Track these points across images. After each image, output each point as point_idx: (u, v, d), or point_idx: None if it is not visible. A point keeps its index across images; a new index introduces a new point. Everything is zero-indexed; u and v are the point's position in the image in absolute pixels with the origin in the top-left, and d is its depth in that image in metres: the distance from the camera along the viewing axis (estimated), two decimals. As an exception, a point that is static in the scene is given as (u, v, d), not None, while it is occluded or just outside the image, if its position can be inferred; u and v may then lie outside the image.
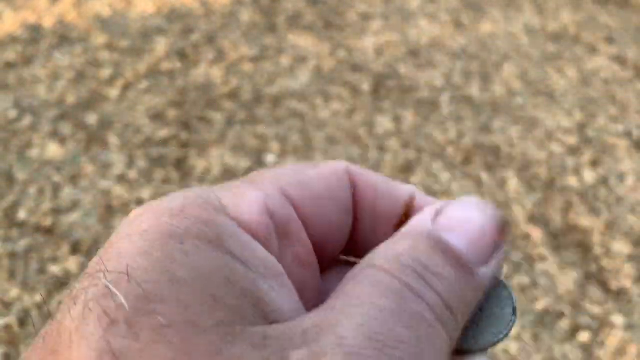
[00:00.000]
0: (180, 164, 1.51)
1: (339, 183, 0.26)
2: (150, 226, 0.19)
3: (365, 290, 0.20)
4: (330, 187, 0.25)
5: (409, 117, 1.71)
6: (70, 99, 1.66)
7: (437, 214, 0.23)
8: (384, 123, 1.68)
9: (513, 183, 1.56)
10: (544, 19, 2.24)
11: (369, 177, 0.27)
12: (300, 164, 0.25)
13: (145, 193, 1.42)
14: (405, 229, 0.23)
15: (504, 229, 0.23)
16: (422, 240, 0.22)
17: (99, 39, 1.89)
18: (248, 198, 0.22)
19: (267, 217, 0.22)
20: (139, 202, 1.40)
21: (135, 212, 0.21)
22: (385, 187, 0.27)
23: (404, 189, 0.27)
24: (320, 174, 0.25)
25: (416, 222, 0.23)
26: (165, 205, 0.20)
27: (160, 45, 1.88)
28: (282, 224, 0.23)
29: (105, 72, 1.76)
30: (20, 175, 1.45)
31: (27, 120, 1.58)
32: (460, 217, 0.22)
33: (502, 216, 0.24)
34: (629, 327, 1.28)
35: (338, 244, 0.26)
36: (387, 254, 0.21)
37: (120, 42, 1.88)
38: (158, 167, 1.49)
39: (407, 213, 0.27)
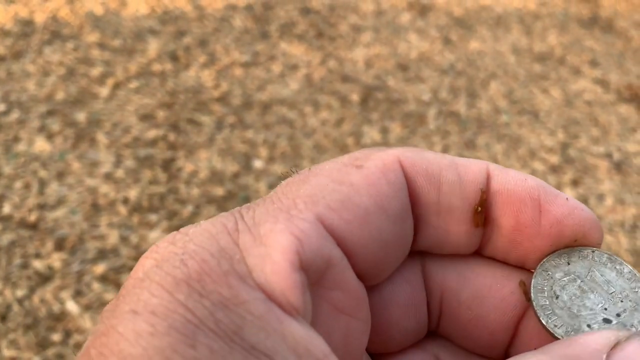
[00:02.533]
0: (168, 166, 1.51)
1: (391, 186, 0.21)
2: (161, 308, 0.16)
3: None
4: (381, 195, 0.21)
5: (396, 129, 1.74)
6: (60, 95, 1.65)
7: (614, 346, 0.19)
8: (372, 134, 1.70)
9: (496, 198, 1.58)
10: (531, 40, 2.29)
11: (429, 165, 0.22)
12: (341, 162, 0.21)
13: (132, 193, 1.42)
14: (567, 350, 0.19)
15: None
16: None
17: (91, 36, 1.89)
18: (278, 251, 0.18)
19: (300, 274, 0.18)
20: (125, 201, 1.40)
21: (149, 267, 0.18)
22: (451, 172, 0.23)
23: (475, 170, 0.23)
24: (367, 180, 0.21)
25: (584, 349, 0.19)
26: (183, 269, 0.17)
27: (152, 46, 1.88)
28: (318, 271, 0.19)
29: (96, 70, 1.76)
30: (6, 169, 1.44)
31: (15, 115, 1.57)
32: None
33: None
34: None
35: (397, 255, 0.23)
36: None
37: (112, 41, 1.88)
38: (146, 168, 1.49)
39: (483, 200, 0.23)
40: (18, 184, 1.41)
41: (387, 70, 1.96)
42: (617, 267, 0.23)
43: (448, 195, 0.23)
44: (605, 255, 0.24)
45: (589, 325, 0.22)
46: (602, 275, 0.24)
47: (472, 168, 0.23)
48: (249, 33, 2.04)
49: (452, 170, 0.23)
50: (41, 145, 1.50)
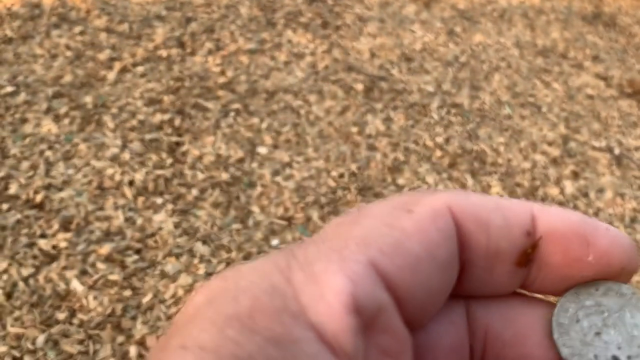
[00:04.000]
0: (174, 150, 1.52)
1: (441, 233, 0.22)
2: (210, 344, 0.16)
3: None
4: (431, 242, 0.21)
5: (399, 119, 1.75)
6: (67, 78, 1.66)
7: None
8: (375, 123, 1.72)
9: (496, 189, 1.60)
10: (535, 34, 2.30)
11: (477, 210, 0.22)
12: (391, 205, 0.21)
13: (138, 175, 1.43)
14: None
15: None
16: None
17: (98, 21, 1.90)
18: (332, 292, 0.18)
19: (353, 317, 0.18)
20: (131, 183, 1.41)
21: (200, 303, 0.18)
22: (498, 216, 0.23)
23: (520, 213, 0.23)
24: (418, 226, 0.21)
25: None
26: (234, 305, 0.17)
27: (159, 31, 1.89)
28: (370, 315, 0.19)
29: (103, 55, 1.77)
30: (13, 150, 1.45)
31: (22, 96, 1.58)
32: None
33: None
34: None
35: (441, 300, 0.23)
36: None
37: (120, 25, 1.89)
38: (151, 151, 1.50)
39: (532, 245, 0.23)
40: (25, 165, 1.42)
41: (392, 61, 1.97)
42: None
43: (495, 238, 0.23)
44: None
45: (595, 356, 0.23)
46: (632, 318, 0.23)
47: (518, 210, 0.23)
48: (255, 21, 2.05)
49: (499, 214, 0.23)
50: (48, 127, 1.52)
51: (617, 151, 1.80)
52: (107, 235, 1.29)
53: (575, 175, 1.69)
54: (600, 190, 1.66)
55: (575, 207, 1.59)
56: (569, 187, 1.65)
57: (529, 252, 0.23)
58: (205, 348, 0.16)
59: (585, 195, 1.64)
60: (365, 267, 0.19)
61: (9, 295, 1.18)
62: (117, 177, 1.42)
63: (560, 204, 1.59)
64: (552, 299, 0.26)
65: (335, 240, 0.20)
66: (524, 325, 0.24)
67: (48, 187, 1.38)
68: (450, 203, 0.22)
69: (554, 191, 1.63)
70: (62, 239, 1.29)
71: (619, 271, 0.24)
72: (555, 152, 1.75)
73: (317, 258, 0.19)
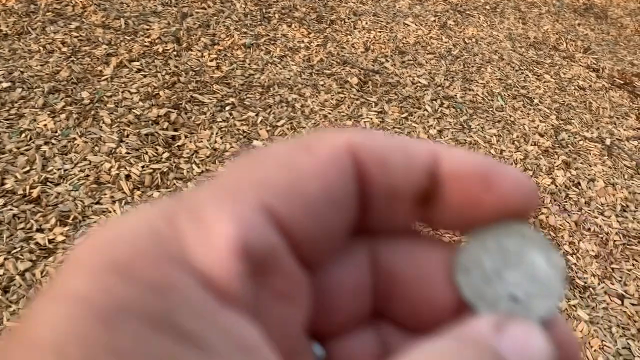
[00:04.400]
0: (170, 144, 1.53)
1: (340, 173, 0.21)
2: (82, 292, 0.15)
3: None
4: (329, 184, 0.20)
5: (393, 112, 1.76)
6: (63, 73, 1.67)
7: (499, 328, 0.20)
8: (370, 116, 1.73)
9: (490, 180, 1.61)
10: (527, 26, 2.31)
11: (378, 148, 0.22)
12: (289, 145, 0.20)
13: (134, 170, 1.44)
14: (457, 332, 0.20)
15: None
16: (487, 355, 0.19)
17: (95, 16, 1.90)
18: (219, 237, 0.17)
19: (242, 262, 0.17)
20: (128, 177, 1.42)
21: (78, 251, 0.17)
22: (400, 155, 0.22)
23: (423, 152, 0.22)
24: (316, 165, 0.20)
25: (472, 330, 0.20)
26: (111, 252, 0.16)
27: (155, 27, 1.90)
28: (261, 259, 0.18)
29: (100, 50, 1.77)
30: (10, 145, 1.46)
31: (18, 92, 1.59)
32: (527, 347, 0.19)
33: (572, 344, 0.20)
34: (592, 322, 1.33)
35: (341, 242, 0.22)
36: None
37: (116, 21, 1.89)
38: (148, 146, 1.51)
39: (432, 185, 0.22)
40: (21, 160, 1.42)
41: (386, 54, 1.98)
42: (550, 254, 0.23)
43: (396, 177, 0.22)
44: (543, 239, 0.23)
45: (496, 296, 0.23)
46: (532, 258, 0.24)
47: (421, 149, 0.22)
48: (250, 15, 2.05)
49: (400, 153, 0.22)
50: (45, 122, 1.52)
51: (608, 141, 1.81)
52: (105, 229, 1.30)
53: (567, 166, 1.71)
54: (592, 180, 1.68)
55: (567, 197, 1.61)
56: (561, 177, 1.66)
57: (429, 192, 0.23)
58: (77, 297, 0.15)
59: (577, 185, 1.65)
60: (257, 210, 0.18)
61: (5, 290, 1.18)
62: (114, 172, 1.43)
63: (552, 194, 1.61)
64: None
65: (228, 184, 0.19)
66: (428, 267, 0.24)
67: (45, 181, 1.39)
68: (352, 142, 0.21)
69: (545, 181, 1.64)
70: (59, 234, 1.29)
71: (519, 212, 0.23)
72: (547, 142, 1.77)
73: (206, 202, 0.18)
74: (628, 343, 1.29)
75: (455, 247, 0.24)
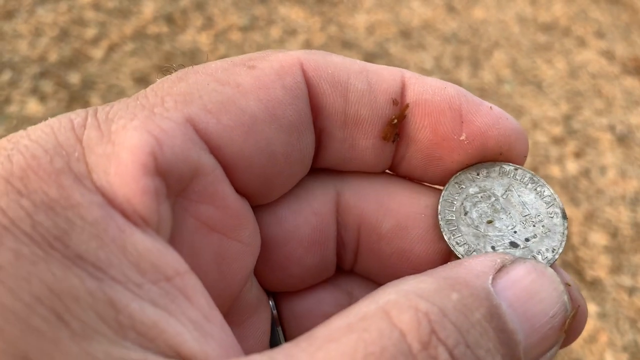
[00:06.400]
0: (163, 130, 1.49)
1: (287, 91, 0.18)
2: None
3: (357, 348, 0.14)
4: (273, 101, 0.18)
5: (396, 98, 1.71)
6: (53, 56, 1.62)
7: (500, 269, 0.17)
8: (372, 102, 1.68)
9: (496, 169, 1.57)
10: (536, 9, 2.25)
11: (336, 70, 0.20)
12: (231, 61, 0.18)
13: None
14: (451, 272, 0.17)
15: (571, 319, 0.17)
16: (478, 301, 0.16)
17: (85, -3, 1.85)
18: (127, 150, 0.15)
19: (152, 178, 0.15)
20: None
21: None
22: (361, 80, 0.20)
23: (388, 78, 0.20)
24: (258, 82, 0.18)
25: (469, 271, 0.16)
26: (6, 165, 0.14)
27: (148, 8, 1.84)
28: (182, 180, 0.16)
29: (90, 32, 1.72)
30: (-3, 130, 1.42)
31: (6, 76, 1.54)
32: (527, 290, 0.16)
33: (574, 298, 0.17)
34: (601, 316, 1.29)
35: (292, 171, 0.19)
36: (418, 298, 0.15)
37: (107, 2, 1.84)
38: (140, 132, 1.47)
39: (398, 115, 0.20)
40: (9, 146, 1.39)
41: (389, 37, 1.93)
42: (539, 189, 0.22)
43: (356, 104, 0.20)
44: (528, 175, 0.22)
45: (493, 248, 0.20)
46: (519, 196, 0.22)
47: (385, 75, 0.20)
48: (247, -4, 2.00)
49: (362, 78, 0.20)
50: (34, 107, 1.48)
51: (619, 130, 1.76)
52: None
53: (577, 155, 1.66)
54: (602, 170, 1.63)
55: (577, 187, 1.56)
56: (571, 166, 1.62)
57: (394, 123, 0.20)
58: None
59: (587, 174, 1.61)
60: (180, 125, 0.16)
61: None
62: (105, 159, 1.39)
63: (562, 184, 1.56)
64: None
65: (151, 97, 0.17)
66: (404, 216, 0.21)
67: (33, 169, 1.35)
68: (304, 61, 0.19)
69: (555, 170, 1.59)
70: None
71: (496, 155, 0.21)
72: (556, 130, 1.72)
73: (120, 115, 0.16)
74: (636, 337, 1.26)
75: (435, 194, 0.21)
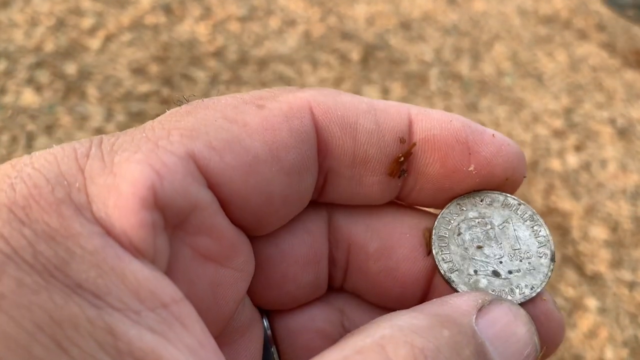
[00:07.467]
0: (161, 121, 1.47)
1: (293, 134, 0.19)
2: None
3: None
4: (277, 143, 0.18)
5: (396, 90, 1.69)
6: (49, 46, 1.60)
7: (480, 308, 0.18)
8: (372, 93, 1.66)
9: (496, 162, 1.56)
10: (537, 1, 2.23)
11: (345, 112, 0.20)
12: (241, 98, 0.18)
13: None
14: (440, 309, 0.18)
15: (544, 353, 0.19)
16: (466, 338, 0.17)
17: (82, -14, 1.83)
18: (127, 183, 0.15)
19: (151, 212, 0.15)
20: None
21: None
22: (369, 120, 0.20)
23: (394, 117, 0.20)
24: (265, 123, 0.18)
25: (455, 310, 0.18)
26: (9, 193, 0.14)
27: (146, -2, 1.82)
28: (180, 213, 0.16)
29: (87, 22, 1.70)
30: (-7, 121, 1.40)
31: (1, 65, 1.52)
32: (505, 330, 0.18)
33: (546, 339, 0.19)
34: (601, 310, 1.29)
35: (290, 208, 0.20)
36: (413, 337, 0.16)
37: (104, -9, 1.82)
38: (137, 122, 1.45)
39: (405, 153, 0.21)
40: (4, 137, 1.37)
41: (389, 29, 1.91)
42: (535, 227, 0.22)
43: (364, 145, 0.20)
44: (529, 212, 0.22)
45: (475, 271, 0.21)
46: (515, 230, 0.22)
47: (392, 114, 0.20)
48: (246, -13, 1.98)
49: (370, 117, 0.20)
50: (29, 97, 1.46)
51: (620, 123, 1.75)
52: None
53: (578, 148, 1.65)
54: (603, 163, 1.62)
55: (578, 180, 1.55)
56: (571, 159, 1.61)
57: (401, 161, 0.21)
58: None
59: (588, 167, 1.60)
60: (182, 160, 0.16)
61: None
62: (102, 150, 1.38)
63: (562, 177, 1.55)
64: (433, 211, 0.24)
65: (157, 130, 0.17)
66: (391, 237, 0.22)
67: (29, 160, 1.33)
68: (313, 103, 0.19)
69: (555, 163, 1.58)
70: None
71: (503, 182, 0.22)
72: (557, 123, 1.71)
73: (125, 147, 0.16)
74: (636, 332, 1.25)
75: (428, 216, 0.22)
